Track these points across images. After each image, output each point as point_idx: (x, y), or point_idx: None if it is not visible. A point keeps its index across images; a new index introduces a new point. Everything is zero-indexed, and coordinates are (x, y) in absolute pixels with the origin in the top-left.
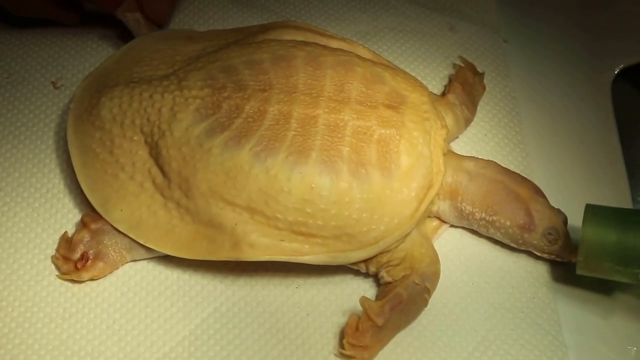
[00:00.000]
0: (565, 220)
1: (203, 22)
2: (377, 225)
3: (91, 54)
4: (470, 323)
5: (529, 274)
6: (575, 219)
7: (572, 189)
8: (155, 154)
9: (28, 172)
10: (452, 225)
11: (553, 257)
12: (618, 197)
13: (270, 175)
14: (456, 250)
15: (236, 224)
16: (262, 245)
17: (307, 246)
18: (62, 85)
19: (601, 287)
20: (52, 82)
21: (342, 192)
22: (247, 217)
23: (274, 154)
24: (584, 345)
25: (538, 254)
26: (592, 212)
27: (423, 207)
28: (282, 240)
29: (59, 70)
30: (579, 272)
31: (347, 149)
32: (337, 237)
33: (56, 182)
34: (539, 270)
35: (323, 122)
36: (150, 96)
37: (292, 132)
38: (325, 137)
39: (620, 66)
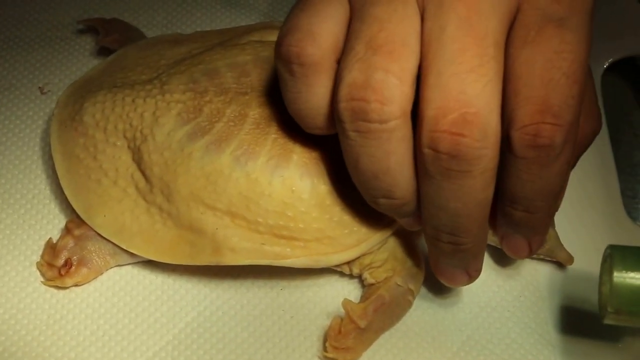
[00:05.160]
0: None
1: (191, 22)
2: (358, 227)
3: (79, 59)
4: (455, 323)
5: (515, 272)
6: (563, 217)
7: None
8: (138, 159)
9: (14, 178)
10: None
11: (541, 257)
12: (607, 191)
13: (251, 179)
14: None
15: (217, 229)
16: (243, 249)
17: (288, 249)
18: (49, 91)
19: (589, 286)
20: (39, 87)
21: (323, 195)
22: (228, 221)
23: (254, 157)
24: (571, 343)
25: None
26: (621, 255)
27: None
28: (263, 244)
29: (46, 76)
30: (606, 322)
31: (329, 152)
32: (319, 239)
33: (42, 188)
34: (526, 269)
35: None
36: (133, 101)
37: (273, 135)
38: (307, 140)
39: (610, 60)
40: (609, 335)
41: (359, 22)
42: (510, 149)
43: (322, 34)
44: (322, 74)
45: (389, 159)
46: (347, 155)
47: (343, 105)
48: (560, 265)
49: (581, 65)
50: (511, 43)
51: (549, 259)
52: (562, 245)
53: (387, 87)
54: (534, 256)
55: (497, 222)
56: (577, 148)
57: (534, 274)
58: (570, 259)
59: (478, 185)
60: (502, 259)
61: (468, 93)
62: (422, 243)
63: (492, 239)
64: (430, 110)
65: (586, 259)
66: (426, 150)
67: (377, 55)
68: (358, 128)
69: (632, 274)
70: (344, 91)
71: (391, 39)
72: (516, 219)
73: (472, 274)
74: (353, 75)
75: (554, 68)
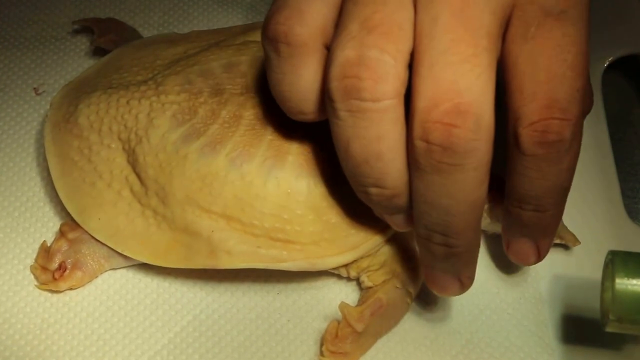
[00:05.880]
0: None
1: (187, 22)
2: (356, 229)
3: (74, 59)
4: (454, 325)
5: (514, 274)
6: (563, 217)
7: None
8: (133, 161)
9: (8, 181)
10: None
11: None
12: (607, 191)
13: (246, 181)
14: None
15: (212, 232)
16: (239, 252)
17: (285, 253)
18: (43, 92)
19: (590, 288)
20: (34, 88)
21: (319, 197)
22: (224, 224)
23: (249, 159)
24: (571, 346)
25: None
26: (622, 262)
27: None
28: (259, 247)
29: (41, 76)
30: (608, 330)
31: (325, 153)
32: (316, 242)
33: (37, 190)
34: (525, 271)
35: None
36: (128, 102)
37: (269, 137)
38: (303, 141)
39: (610, 58)
40: (610, 340)
41: (352, 3)
42: (519, 147)
43: (311, 13)
44: (309, 56)
45: (381, 143)
46: (338, 138)
47: (335, 84)
48: (559, 266)
49: (584, 58)
50: (511, 39)
51: (555, 241)
52: (566, 227)
53: (382, 65)
54: None
55: (503, 226)
56: None
57: (534, 276)
58: (576, 240)
59: (470, 181)
60: (502, 260)
61: (461, 83)
62: None
63: (495, 228)
64: (422, 101)
65: (586, 259)
66: (418, 142)
67: (372, 34)
68: (350, 107)
69: (634, 281)
70: (336, 70)
71: (387, 21)
72: (525, 219)
73: (464, 282)
74: (346, 53)
75: (558, 62)
